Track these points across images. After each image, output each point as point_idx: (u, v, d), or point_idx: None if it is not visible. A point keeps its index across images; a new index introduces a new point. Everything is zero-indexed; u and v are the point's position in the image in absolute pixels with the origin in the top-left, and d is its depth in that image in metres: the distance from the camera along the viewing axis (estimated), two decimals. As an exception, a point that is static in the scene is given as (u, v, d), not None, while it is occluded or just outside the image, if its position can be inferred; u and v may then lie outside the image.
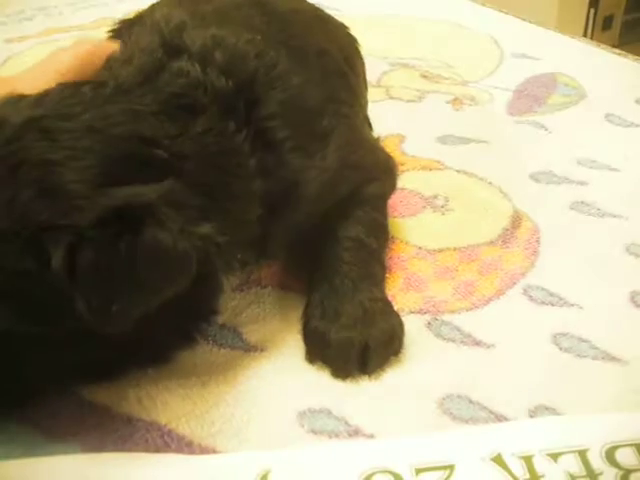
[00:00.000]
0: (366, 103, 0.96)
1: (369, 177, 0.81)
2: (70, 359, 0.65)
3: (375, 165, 0.83)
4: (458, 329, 0.75)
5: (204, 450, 0.65)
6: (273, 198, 0.71)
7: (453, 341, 0.74)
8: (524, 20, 1.31)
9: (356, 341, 0.70)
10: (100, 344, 0.63)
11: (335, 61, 0.84)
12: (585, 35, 1.92)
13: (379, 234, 0.80)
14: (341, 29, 0.96)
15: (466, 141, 1.03)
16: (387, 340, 0.71)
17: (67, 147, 0.61)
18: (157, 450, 0.65)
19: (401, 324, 0.73)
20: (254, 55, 0.74)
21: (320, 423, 0.67)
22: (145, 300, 0.60)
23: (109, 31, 0.98)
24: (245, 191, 0.69)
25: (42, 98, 0.67)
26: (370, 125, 0.95)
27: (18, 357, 0.64)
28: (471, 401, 0.69)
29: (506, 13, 1.32)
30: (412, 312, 0.76)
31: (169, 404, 0.69)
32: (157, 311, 0.61)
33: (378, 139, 0.90)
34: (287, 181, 0.72)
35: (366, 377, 0.71)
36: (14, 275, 0.59)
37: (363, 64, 0.98)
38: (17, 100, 0.67)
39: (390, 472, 0.62)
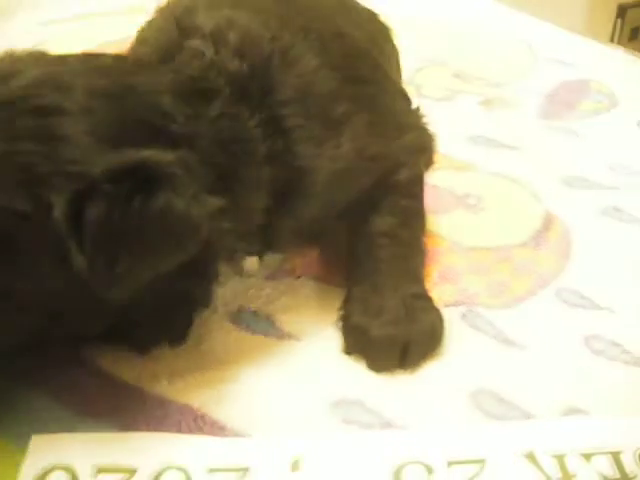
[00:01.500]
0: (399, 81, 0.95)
1: (394, 165, 0.78)
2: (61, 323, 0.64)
3: (402, 150, 0.79)
4: (491, 324, 0.76)
5: (237, 435, 0.66)
6: (280, 186, 0.70)
7: (487, 334, 0.75)
8: (557, 26, 1.31)
9: (398, 338, 0.71)
10: (95, 309, 0.62)
11: (355, 42, 0.81)
12: (612, 41, 1.92)
13: (413, 222, 0.79)
14: (370, 16, 0.95)
15: (497, 143, 1.03)
16: (428, 338, 0.72)
17: (82, 103, 0.60)
18: (190, 433, 0.66)
19: (442, 321, 0.73)
20: (269, 38, 0.73)
21: (353, 414, 0.67)
22: (150, 265, 0.59)
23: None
24: (254, 178, 0.69)
25: (64, 58, 0.66)
26: (408, 98, 0.91)
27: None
28: (502, 400, 0.69)
29: (540, 19, 1.32)
30: (447, 305, 0.76)
31: (202, 388, 0.70)
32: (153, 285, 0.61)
33: (416, 111, 0.87)
34: (295, 169, 0.71)
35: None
36: (11, 216, 0.57)
37: (396, 51, 0.97)
38: (39, 56, 0.67)
39: (422, 464, 0.62)
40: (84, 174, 0.57)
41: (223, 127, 0.67)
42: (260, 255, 0.78)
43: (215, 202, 0.62)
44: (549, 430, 0.65)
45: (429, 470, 0.62)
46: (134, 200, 0.57)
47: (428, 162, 0.85)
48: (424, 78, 1.16)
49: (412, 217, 0.80)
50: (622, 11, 2.07)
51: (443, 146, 1.00)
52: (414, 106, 0.90)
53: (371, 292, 0.74)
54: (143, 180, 0.58)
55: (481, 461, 0.62)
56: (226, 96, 0.68)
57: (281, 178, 0.70)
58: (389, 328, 0.71)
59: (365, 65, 0.80)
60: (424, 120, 0.87)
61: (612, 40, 2.01)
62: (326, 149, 0.72)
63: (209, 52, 0.70)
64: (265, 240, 0.73)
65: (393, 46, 0.97)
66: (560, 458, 0.62)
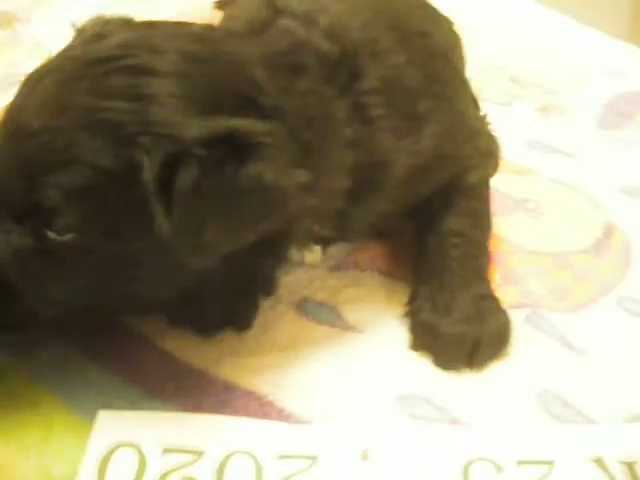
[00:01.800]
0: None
1: (467, 166, 0.80)
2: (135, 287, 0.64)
3: (475, 152, 0.81)
4: (555, 327, 0.76)
5: (304, 424, 0.66)
6: (360, 175, 0.70)
7: (551, 336, 0.75)
8: (614, 36, 1.31)
9: (469, 337, 0.71)
10: (170, 276, 0.63)
11: (438, 43, 0.82)
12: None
13: (483, 224, 0.80)
14: (446, 21, 0.95)
15: (554, 150, 1.03)
16: (497, 338, 0.72)
17: (176, 66, 0.60)
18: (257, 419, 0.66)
19: (509, 322, 0.74)
20: (358, 26, 0.73)
21: (420, 409, 0.68)
22: (236, 234, 0.59)
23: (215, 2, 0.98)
24: (337, 159, 0.68)
25: (154, 23, 0.67)
26: (477, 104, 0.93)
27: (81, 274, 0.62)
28: (567, 404, 0.69)
29: (595, 28, 1.32)
30: (511, 307, 0.76)
31: (268, 375, 0.70)
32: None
33: (484, 117, 0.89)
34: (376, 160, 0.71)
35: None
36: (96, 173, 0.57)
37: (464, 58, 0.98)
38: (129, 21, 0.67)
39: (491, 462, 0.63)
40: (177, 137, 0.57)
41: (311, 104, 0.67)
42: (326, 245, 0.78)
43: (302, 176, 0.61)
44: (618, 436, 0.65)
45: (498, 468, 0.62)
46: (226, 167, 0.57)
47: (495, 167, 0.86)
48: (482, 82, 1.15)
49: (482, 219, 0.81)
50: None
51: (503, 150, 1.01)
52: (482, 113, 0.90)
53: (440, 290, 0.74)
54: (235, 148, 0.57)
55: (550, 462, 0.63)
56: (315, 74, 0.68)
57: (361, 165, 0.69)
58: (460, 326, 0.72)
59: (445, 67, 0.81)
60: (490, 127, 0.88)
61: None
62: (407, 143, 0.72)
63: (300, 31, 0.70)
64: (337, 229, 0.72)
65: (462, 54, 0.98)
66: (630, 465, 0.62)
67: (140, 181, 0.56)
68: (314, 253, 0.78)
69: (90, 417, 0.66)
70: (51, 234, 0.59)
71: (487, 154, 0.83)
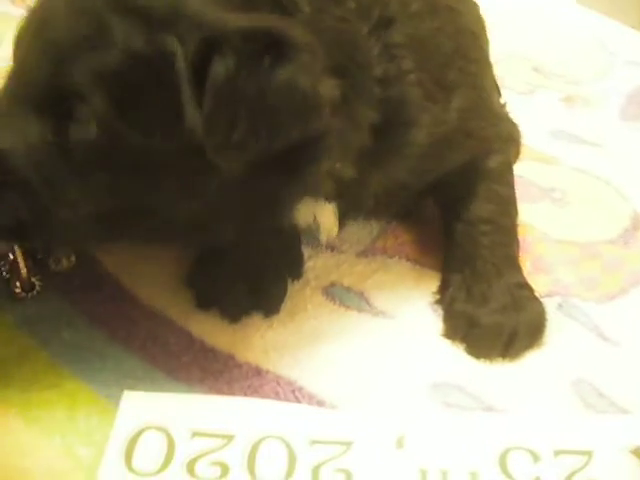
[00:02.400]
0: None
1: (488, 149, 0.77)
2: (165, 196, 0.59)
3: (497, 137, 0.79)
4: (587, 316, 0.75)
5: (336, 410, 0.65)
6: (384, 120, 0.66)
7: (584, 325, 0.74)
8: (633, 28, 1.30)
9: (506, 327, 0.70)
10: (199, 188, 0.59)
11: (465, 20, 0.79)
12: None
13: (510, 210, 0.79)
14: (473, 4, 0.93)
15: (579, 139, 1.01)
16: (534, 328, 0.71)
17: None
18: (287, 403, 0.65)
19: (545, 312, 0.72)
20: None
21: (454, 397, 0.67)
22: (268, 135, 0.56)
23: None
24: (366, 89, 0.65)
25: None
26: (499, 91, 0.90)
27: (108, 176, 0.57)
28: (601, 394, 0.68)
29: (612, 17, 1.30)
30: (542, 295, 0.75)
31: (298, 360, 0.69)
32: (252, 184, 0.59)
33: (505, 105, 0.86)
34: (403, 115, 0.68)
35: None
36: (127, 56, 0.54)
37: (488, 46, 0.96)
38: None
39: (529, 451, 0.61)
40: (214, 25, 0.54)
41: (345, 30, 0.64)
42: (344, 218, 0.74)
43: (336, 87, 0.58)
44: (656, 427, 0.64)
45: (535, 457, 0.61)
46: (263, 63, 0.54)
47: (516, 153, 0.84)
48: (504, 70, 1.14)
49: (509, 204, 0.79)
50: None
51: (526, 138, 0.99)
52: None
53: (473, 279, 0.73)
54: (273, 46, 0.54)
55: (588, 453, 0.61)
56: (350, 6, 0.65)
57: (388, 111, 0.66)
58: (497, 316, 0.71)
59: (473, 45, 0.78)
60: (510, 115, 0.86)
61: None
62: (434, 107, 0.69)
63: None
64: (354, 190, 0.69)
65: (487, 37, 0.96)
66: (669, 456, 0.61)
67: (172, 70, 0.54)
68: (330, 227, 0.74)
69: (114, 399, 0.64)
70: (73, 128, 0.56)
71: (509, 139, 0.81)
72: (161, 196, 0.59)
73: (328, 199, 0.69)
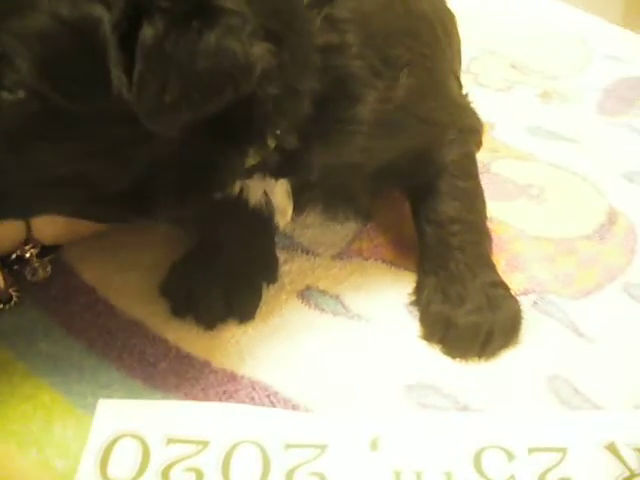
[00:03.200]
0: (458, 68, 0.91)
1: (443, 138, 0.75)
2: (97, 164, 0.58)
3: (452, 125, 0.76)
4: (563, 312, 0.75)
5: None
6: (327, 95, 0.65)
7: (559, 321, 0.74)
8: (611, 22, 1.30)
9: (483, 326, 0.70)
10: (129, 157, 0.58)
11: (421, 7, 0.76)
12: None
13: (477, 205, 0.78)
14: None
15: (556, 135, 1.02)
16: (510, 326, 0.72)
17: None
18: (263, 408, 0.65)
19: (520, 310, 0.73)
20: None
21: (430, 399, 0.67)
22: (200, 99, 0.54)
23: None
24: (304, 57, 0.63)
25: None
26: (459, 81, 0.87)
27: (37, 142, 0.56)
28: (576, 391, 0.68)
29: (591, 13, 1.30)
30: (517, 293, 0.75)
31: (273, 365, 0.69)
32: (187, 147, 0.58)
33: (467, 96, 0.84)
34: (346, 86, 0.66)
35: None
36: (54, 21, 0.52)
37: (459, 39, 0.95)
38: None
39: (503, 449, 0.62)
40: None
41: (282, 0, 0.62)
42: (297, 197, 0.72)
43: (267, 49, 0.57)
44: (629, 422, 0.64)
45: (510, 456, 0.61)
46: (192, 26, 0.53)
47: (478, 143, 0.83)
48: (480, 67, 1.15)
49: (475, 199, 0.78)
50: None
51: (502, 135, 1.00)
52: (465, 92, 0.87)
53: (448, 280, 0.73)
54: (201, 9, 0.53)
55: (562, 450, 0.62)
56: None
57: (330, 79, 0.64)
58: (473, 316, 0.71)
59: (425, 29, 0.75)
60: (473, 105, 0.83)
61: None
62: (379, 83, 0.67)
63: None
64: (300, 165, 0.67)
65: (457, 33, 0.95)
66: (642, 451, 0.61)
67: (99, 36, 0.53)
68: (284, 208, 0.73)
69: (91, 410, 0.65)
70: (3, 93, 0.54)
71: (467, 129, 0.79)
72: (96, 165, 0.58)
73: (275, 174, 0.68)
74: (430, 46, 0.74)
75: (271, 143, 0.63)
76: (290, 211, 0.72)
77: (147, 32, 0.52)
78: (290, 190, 0.71)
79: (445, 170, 0.76)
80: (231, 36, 0.54)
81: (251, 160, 0.63)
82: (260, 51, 0.56)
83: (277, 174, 0.68)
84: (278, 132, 0.62)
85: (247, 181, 0.67)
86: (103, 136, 0.56)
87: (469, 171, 0.78)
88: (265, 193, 0.70)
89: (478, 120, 0.82)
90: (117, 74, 0.53)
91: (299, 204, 0.73)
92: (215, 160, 0.61)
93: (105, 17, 0.52)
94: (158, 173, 0.60)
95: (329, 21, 0.64)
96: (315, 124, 0.64)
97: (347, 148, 0.68)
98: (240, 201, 0.69)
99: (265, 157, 0.64)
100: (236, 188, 0.67)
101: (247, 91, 0.56)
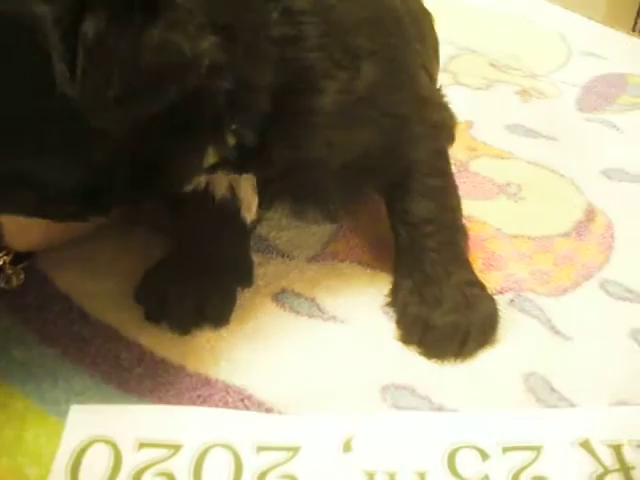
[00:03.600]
0: (434, 67, 0.90)
1: (410, 133, 0.73)
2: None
3: (419, 119, 0.73)
4: (540, 309, 0.75)
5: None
6: (285, 87, 0.63)
7: (537, 318, 0.74)
8: (591, 19, 1.30)
9: (461, 326, 0.70)
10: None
11: (390, 3, 0.74)
12: (634, 30, 1.87)
13: (451, 204, 0.77)
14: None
15: (535, 133, 1.02)
16: (487, 325, 0.71)
17: None
18: (236, 412, 0.65)
19: (497, 309, 0.72)
20: None
21: (404, 400, 0.66)
22: (146, 94, 0.53)
23: None
24: (259, 50, 0.62)
25: None
26: (431, 76, 0.85)
27: None
28: (553, 389, 0.68)
29: (572, 11, 1.31)
30: (494, 292, 0.75)
31: (247, 368, 0.69)
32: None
33: (439, 90, 0.82)
34: (305, 79, 0.65)
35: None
36: None
37: (435, 39, 0.94)
38: None
39: (476, 448, 0.61)
40: None
41: None
42: (263, 190, 0.71)
43: (214, 41, 0.55)
44: (604, 419, 0.64)
45: (484, 456, 0.61)
46: (135, 20, 0.52)
47: (449, 138, 0.81)
48: (459, 66, 1.15)
49: (447, 198, 0.76)
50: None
51: (481, 133, 1.00)
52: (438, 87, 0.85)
53: (424, 282, 0.73)
54: (145, 4, 0.52)
55: (537, 448, 0.61)
56: None
57: (288, 72, 0.63)
58: (451, 316, 0.70)
59: (391, 20, 0.73)
60: (445, 99, 0.82)
61: (634, 26, 1.96)
62: (340, 74, 0.66)
63: None
64: (261, 159, 0.66)
65: (433, 32, 0.95)
66: (617, 448, 0.61)
67: (40, 32, 0.51)
68: (249, 202, 0.73)
69: (64, 417, 0.64)
70: None
71: (437, 124, 0.77)
72: (44, 164, 0.57)
73: (237, 170, 0.67)
74: (395, 36, 0.72)
75: (230, 140, 0.62)
76: (255, 205, 0.72)
77: (89, 26, 0.51)
78: (255, 184, 0.70)
79: (415, 168, 0.74)
80: (175, 30, 0.53)
81: (211, 158, 0.62)
82: (207, 45, 0.55)
83: (239, 170, 0.67)
84: (234, 127, 0.61)
85: (212, 176, 0.67)
86: (50, 135, 0.55)
87: (441, 168, 0.77)
88: (231, 187, 0.70)
89: (450, 115, 0.80)
90: (60, 69, 0.52)
91: (265, 199, 0.72)
92: (170, 157, 0.60)
93: (46, 11, 0.51)
94: (111, 170, 0.58)
95: (287, 13, 0.63)
96: (274, 119, 0.63)
97: (309, 141, 0.67)
98: (208, 198, 0.69)
99: (225, 155, 0.63)
100: (201, 182, 0.67)
101: (194, 86, 0.55)
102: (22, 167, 0.56)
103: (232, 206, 0.72)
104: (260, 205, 0.73)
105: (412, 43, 0.77)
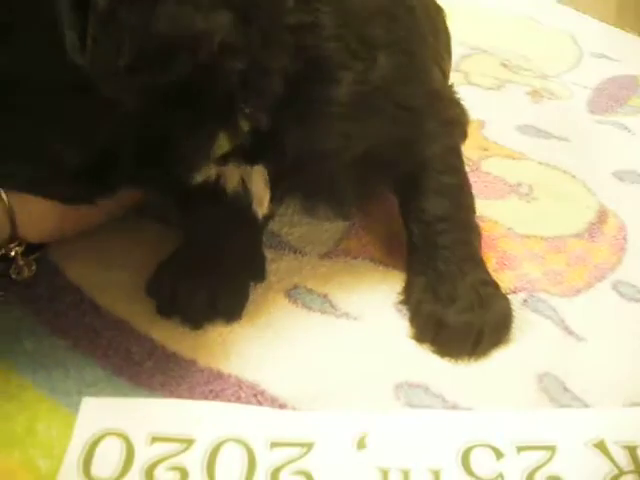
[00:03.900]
0: (446, 63, 0.90)
1: (423, 127, 0.73)
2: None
3: (432, 113, 0.73)
4: (554, 310, 0.75)
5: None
6: (301, 75, 0.63)
7: (550, 319, 0.74)
8: (602, 21, 1.30)
9: (475, 325, 0.70)
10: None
11: None
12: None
13: (465, 202, 0.76)
14: None
15: (547, 134, 1.02)
16: (501, 324, 0.71)
17: None
18: (249, 408, 0.64)
19: (511, 308, 0.72)
20: None
21: (417, 398, 0.66)
22: (157, 63, 0.53)
23: None
24: (275, 33, 0.61)
25: None
26: (444, 73, 0.85)
27: None
28: (566, 389, 0.68)
29: (583, 12, 1.31)
30: (507, 292, 0.75)
31: (260, 363, 0.68)
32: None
33: (452, 87, 0.82)
34: (322, 68, 0.64)
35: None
36: None
37: (448, 34, 0.94)
38: None
39: (491, 447, 0.61)
40: None
41: None
42: (275, 186, 0.71)
43: (226, 17, 0.54)
44: (619, 420, 0.64)
45: (498, 454, 0.61)
46: None
47: (462, 135, 0.81)
48: (471, 66, 1.15)
49: (461, 196, 0.76)
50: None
51: (493, 134, 1.00)
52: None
53: (438, 281, 0.72)
54: None
55: (551, 448, 0.61)
56: None
57: (304, 59, 0.63)
58: (466, 315, 0.70)
59: (406, 14, 0.73)
60: (457, 96, 0.82)
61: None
62: (357, 65, 0.66)
63: None
64: (274, 147, 0.65)
65: (445, 28, 0.94)
66: (632, 449, 0.61)
67: (50, 1, 0.51)
68: (261, 195, 0.71)
69: (75, 408, 0.64)
70: None
71: (450, 121, 0.77)
72: (52, 138, 0.56)
73: (249, 159, 0.66)
74: (410, 30, 0.72)
75: (244, 126, 0.62)
76: (267, 200, 0.71)
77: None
78: (267, 178, 0.69)
79: (429, 165, 0.74)
80: (189, 4, 0.52)
81: (224, 146, 0.62)
82: (221, 20, 0.54)
83: (251, 159, 0.66)
84: (247, 110, 0.61)
85: (223, 168, 0.66)
86: (57, 107, 0.55)
87: (454, 166, 0.76)
88: (243, 180, 0.69)
89: (463, 112, 0.80)
90: (70, 38, 0.51)
91: (277, 193, 0.71)
92: (179, 137, 0.59)
93: None
94: (119, 147, 0.58)
95: (303, 1, 0.63)
96: (289, 105, 0.63)
97: (323, 131, 0.67)
98: (219, 190, 0.68)
99: (239, 141, 0.62)
100: (212, 174, 0.66)
101: (207, 63, 0.54)
102: (27, 140, 0.56)
103: (244, 200, 0.71)
104: (271, 200, 0.72)
105: (426, 37, 0.77)
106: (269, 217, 0.78)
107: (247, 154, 0.65)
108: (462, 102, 0.81)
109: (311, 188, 0.74)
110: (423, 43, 0.76)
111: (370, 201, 0.82)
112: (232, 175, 0.69)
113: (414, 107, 0.71)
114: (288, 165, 0.68)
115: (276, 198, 0.73)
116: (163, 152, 0.60)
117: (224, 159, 0.65)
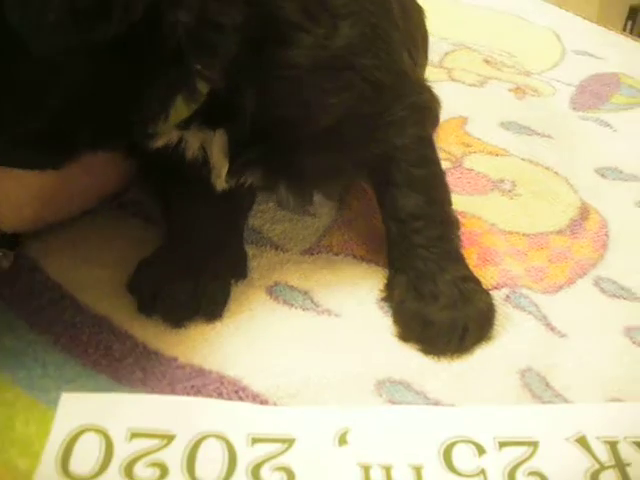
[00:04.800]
0: (422, 53, 0.89)
1: (389, 108, 0.70)
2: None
3: (399, 94, 0.71)
4: (536, 305, 0.75)
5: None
6: (257, 35, 0.61)
7: (532, 315, 0.74)
8: (585, 19, 1.30)
9: (459, 321, 0.69)
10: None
11: None
12: (625, 30, 1.88)
13: (437, 193, 0.75)
14: None
15: (529, 131, 1.02)
16: (483, 320, 0.71)
17: None
18: (230, 404, 0.64)
19: (493, 304, 0.72)
20: None
21: (399, 395, 0.66)
22: (87, 18, 0.50)
23: None
24: None
25: None
26: (415, 60, 0.82)
27: None
28: (548, 385, 0.68)
29: (567, 10, 1.31)
30: (490, 288, 0.75)
31: (242, 360, 0.68)
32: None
33: (422, 74, 0.81)
34: (279, 28, 0.62)
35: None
36: None
37: (425, 30, 0.93)
38: None
39: (473, 442, 0.61)
40: None
41: None
42: (234, 154, 0.68)
43: None
44: (600, 415, 0.64)
45: (480, 450, 0.60)
46: None
47: (432, 123, 0.80)
48: (454, 62, 1.15)
49: (435, 189, 0.75)
50: (633, 12, 2.06)
51: (475, 130, 1.00)
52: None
53: (418, 278, 0.72)
54: None
55: (533, 443, 0.61)
56: None
57: (257, 16, 0.60)
58: (449, 312, 0.70)
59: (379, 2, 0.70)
60: (427, 83, 0.80)
61: (625, 26, 1.98)
62: (316, 30, 0.63)
63: None
64: (231, 110, 0.64)
65: (423, 24, 0.94)
66: (613, 445, 0.61)
67: None
68: (220, 163, 0.69)
69: (54, 405, 0.63)
70: None
71: (420, 107, 0.74)
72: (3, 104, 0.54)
73: (208, 122, 0.65)
74: (377, 5, 0.70)
75: (202, 88, 0.60)
76: (225, 170, 0.69)
77: None
78: (227, 147, 0.67)
79: (400, 155, 0.72)
80: None
81: (183, 108, 0.60)
82: None
83: (211, 122, 0.65)
84: (199, 67, 0.59)
85: (185, 132, 0.65)
86: (5, 72, 0.53)
87: (426, 156, 0.75)
88: (204, 149, 0.67)
89: (433, 97, 0.78)
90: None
91: (237, 165, 0.69)
92: (133, 98, 0.57)
93: None
94: (74, 110, 0.56)
95: None
96: (246, 68, 0.62)
97: (281, 96, 0.65)
98: (178, 156, 0.66)
99: (198, 105, 0.61)
100: (173, 138, 0.65)
101: (141, 12, 0.52)
102: None
103: (203, 169, 0.69)
104: (230, 172, 0.69)
105: (396, 19, 0.74)
106: (248, 209, 0.76)
107: (207, 118, 0.64)
108: (431, 87, 0.78)
109: (271, 163, 0.70)
110: (391, 22, 0.73)
111: (349, 194, 0.82)
112: (192, 141, 0.67)
113: (379, 82, 0.68)
114: (248, 132, 0.65)
115: (236, 170, 0.69)
116: (118, 114, 0.58)
117: (186, 124, 0.63)
